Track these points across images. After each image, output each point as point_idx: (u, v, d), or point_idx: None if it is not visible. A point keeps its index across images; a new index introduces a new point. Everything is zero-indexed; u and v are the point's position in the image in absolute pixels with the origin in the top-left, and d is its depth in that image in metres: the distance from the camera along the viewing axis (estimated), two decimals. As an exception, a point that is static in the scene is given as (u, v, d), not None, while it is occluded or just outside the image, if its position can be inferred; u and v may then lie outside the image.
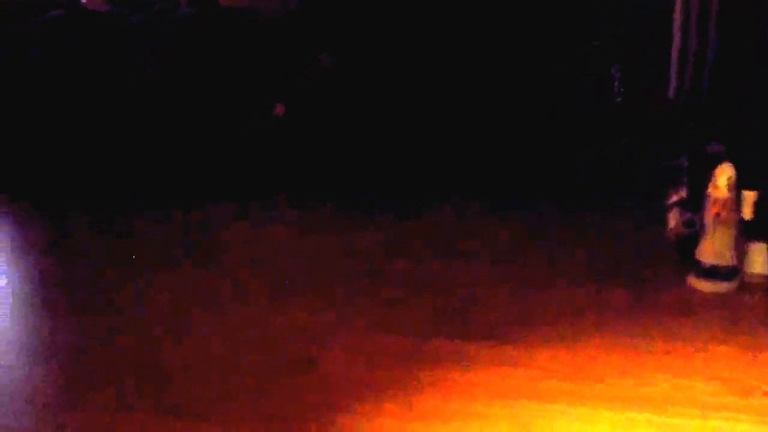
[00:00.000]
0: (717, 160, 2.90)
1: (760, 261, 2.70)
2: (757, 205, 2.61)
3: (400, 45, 4.94)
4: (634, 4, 5.76)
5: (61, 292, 2.83)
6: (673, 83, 5.31)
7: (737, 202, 2.61)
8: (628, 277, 2.84)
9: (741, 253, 2.67)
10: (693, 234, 2.84)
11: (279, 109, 4.68)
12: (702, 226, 2.71)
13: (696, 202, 2.83)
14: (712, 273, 2.66)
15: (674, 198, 2.92)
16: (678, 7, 5.15)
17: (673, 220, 2.93)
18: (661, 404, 1.94)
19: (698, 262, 2.70)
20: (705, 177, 2.88)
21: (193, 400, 2.03)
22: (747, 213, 2.59)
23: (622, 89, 5.93)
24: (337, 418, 1.92)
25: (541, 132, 5.31)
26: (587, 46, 6.06)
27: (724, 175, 2.58)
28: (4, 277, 3.08)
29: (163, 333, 2.43)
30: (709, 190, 2.61)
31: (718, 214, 2.59)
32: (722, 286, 2.65)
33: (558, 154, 5.02)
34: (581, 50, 6.06)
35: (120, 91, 4.25)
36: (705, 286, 2.67)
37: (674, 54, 5.30)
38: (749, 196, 2.59)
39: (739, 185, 2.69)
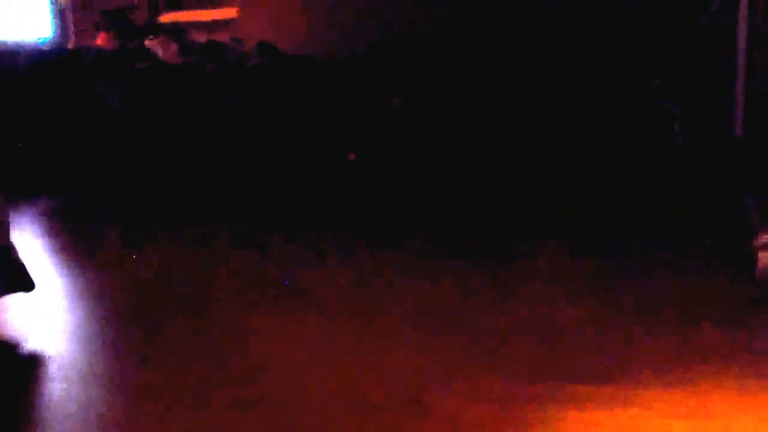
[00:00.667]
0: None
1: None
2: None
3: (468, 89, 5.10)
4: (693, 43, 5.85)
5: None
6: (739, 119, 5.37)
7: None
8: (721, 317, 2.88)
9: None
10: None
11: (351, 156, 4.84)
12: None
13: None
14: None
15: (765, 239, 2.95)
16: (741, 35, 5.22)
17: (765, 260, 2.96)
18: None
19: (795, 302, 2.73)
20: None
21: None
22: None
23: (682, 129, 5.99)
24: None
25: (611, 170, 5.39)
26: (648, 84, 6.16)
27: (821, 215, 2.61)
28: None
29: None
30: (806, 229, 2.65)
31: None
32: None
33: (632, 194, 5.06)
34: (642, 89, 6.16)
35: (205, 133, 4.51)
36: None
37: (739, 89, 5.36)
38: None
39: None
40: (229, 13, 7.10)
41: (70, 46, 6.54)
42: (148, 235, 4.20)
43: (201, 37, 6.40)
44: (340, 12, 6.30)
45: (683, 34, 5.89)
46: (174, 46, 5.32)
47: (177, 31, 6.10)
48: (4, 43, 5.88)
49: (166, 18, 7.21)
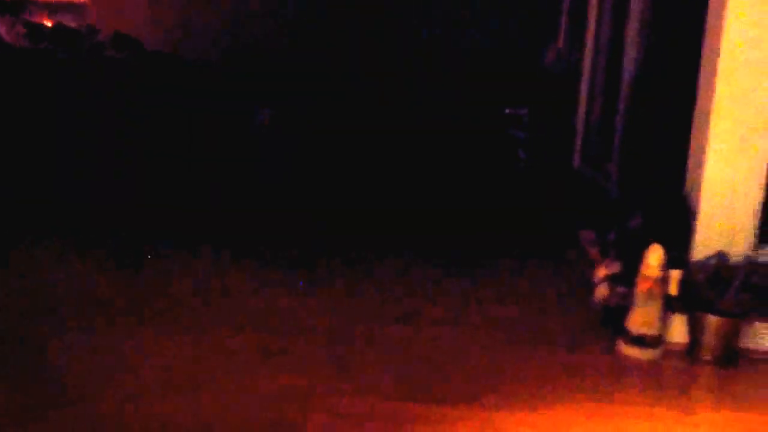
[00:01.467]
0: (639, 234, 3.27)
1: (680, 330, 3.06)
2: (680, 282, 2.96)
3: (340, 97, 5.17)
4: (545, 75, 6.29)
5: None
6: (577, 152, 5.82)
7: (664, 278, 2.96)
8: (561, 341, 3.13)
9: (664, 324, 3.02)
10: (620, 304, 3.17)
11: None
12: (631, 298, 3.04)
13: (625, 276, 3.17)
14: (641, 341, 2.99)
15: (605, 271, 3.24)
16: (585, 77, 5.68)
17: (603, 291, 3.25)
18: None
19: (628, 331, 3.02)
20: (630, 251, 3.24)
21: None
22: (674, 289, 2.93)
23: (526, 156, 6.42)
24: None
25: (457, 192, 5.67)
26: (499, 113, 6.55)
27: (655, 256, 2.91)
28: None
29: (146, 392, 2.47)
30: (642, 268, 2.94)
31: (650, 290, 2.92)
32: (650, 353, 2.98)
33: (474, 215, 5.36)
34: (493, 117, 6.53)
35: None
36: (635, 352, 2.98)
37: (579, 124, 5.81)
38: (676, 275, 2.93)
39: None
40: (78, -5, 6.72)
41: None
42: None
43: (45, 20, 6.01)
44: (196, 11, 6.17)
45: (530, 71, 6.33)
46: (20, 28, 4.97)
47: (17, 7, 5.69)
48: None
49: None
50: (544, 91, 6.20)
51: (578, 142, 5.73)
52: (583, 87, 5.66)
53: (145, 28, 6.09)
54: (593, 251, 4.21)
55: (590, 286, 3.51)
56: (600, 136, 5.56)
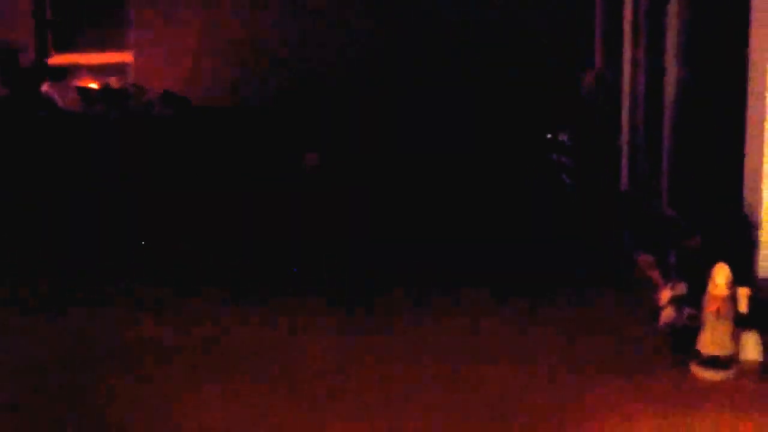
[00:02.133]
0: (699, 253, 3.23)
1: (753, 348, 3.01)
2: (750, 299, 2.91)
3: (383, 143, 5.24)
4: (584, 99, 6.29)
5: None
6: (624, 175, 5.78)
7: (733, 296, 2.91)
8: (630, 369, 3.08)
9: (736, 343, 2.97)
10: (687, 327, 3.13)
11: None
12: (699, 319, 2.99)
13: (691, 297, 3.13)
14: (714, 362, 2.93)
15: (670, 293, 3.20)
16: (625, 98, 5.67)
17: (670, 314, 3.20)
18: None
19: (699, 353, 2.97)
20: (692, 271, 3.21)
21: None
22: (744, 307, 2.89)
23: (570, 181, 6.39)
24: None
25: (505, 218, 5.67)
26: (541, 138, 6.55)
27: (722, 274, 2.87)
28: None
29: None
30: (709, 288, 2.90)
31: (718, 310, 2.88)
32: (723, 374, 2.92)
33: (526, 242, 5.35)
34: (535, 142, 6.54)
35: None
36: (708, 374, 2.93)
37: (624, 146, 5.78)
38: (744, 292, 2.88)
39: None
40: (124, 56, 6.92)
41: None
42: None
43: (90, 82, 6.19)
44: (245, 58, 6.30)
45: (570, 95, 6.34)
46: (74, 92, 5.15)
47: (65, 73, 5.90)
48: None
49: (54, 60, 6.94)
50: (585, 114, 6.20)
51: (624, 164, 5.69)
52: (625, 108, 5.64)
53: (186, 84, 6.25)
54: (654, 274, 4.16)
55: (654, 310, 3.47)
56: (646, 157, 5.52)
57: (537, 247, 5.51)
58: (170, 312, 3.75)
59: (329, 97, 5.57)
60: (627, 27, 5.55)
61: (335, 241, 4.95)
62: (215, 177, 4.65)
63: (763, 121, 3.03)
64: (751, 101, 3.15)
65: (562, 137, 6.54)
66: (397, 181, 5.66)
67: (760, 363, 2.99)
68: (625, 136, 5.67)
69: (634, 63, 5.53)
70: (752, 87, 3.15)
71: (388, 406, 2.78)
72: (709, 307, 2.91)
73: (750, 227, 3.12)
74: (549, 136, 6.38)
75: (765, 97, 3.02)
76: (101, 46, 6.92)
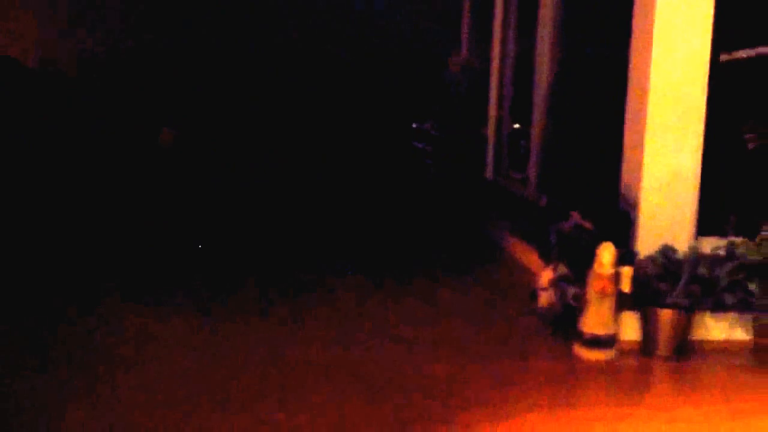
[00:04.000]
0: (577, 235, 3.25)
1: (632, 327, 3.05)
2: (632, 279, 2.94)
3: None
4: (449, 87, 6.29)
5: None
6: (490, 163, 5.83)
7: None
8: (513, 352, 3.05)
9: (617, 322, 3.00)
10: (568, 308, 3.13)
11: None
12: (584, 299, 2.99)
13: (572, 277, 3.13)
14: (596, 342, 2.94)
15: (551, 275, 3.18)
16: (493, 86, 5.72)
17: (550, 296, 3.19)
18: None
19: (582, 333, 2.97)
20: (572, 252, 3.22)
21: None
22: (626, 286, 2.91)
23: (435, 169, 6.39)
24: None
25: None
26: (406, 126, 6.51)
27: (607, 254, 2.88)
28: None
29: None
30: (595, 267, 2.90)
31: (603, 289, 2.88)
32: (605, 354, 2.94)
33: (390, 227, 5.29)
34: (400, 130, 6.49)
35: None
36: (591, 354, 2.94)
37: (490, 134, 5.84)
38: (628, 272, 2.91)
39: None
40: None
41: None
42: None
43: None
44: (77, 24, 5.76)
45: (435, 84, 6.33)
46: None
47: None
48: None
49: None
50: (449, 103, 6.21)
51: (490, 152, 5.75)
52: (492, 97, 5.70)
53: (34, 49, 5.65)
54: (525, 258, 4.19)
55: (531, 293, 3.46)
56: (513, 145, 5.60)
57: (404, 233, 5.48)
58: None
59: (189, 73, 5.24)
60: (497, 15, 5.60)
61: (194, 223, 4.65)
62: (57, 150, 4.18)
63: (643, 99, 3.08)
64: (632, 81, 3.20)
65: (427, 126, 6.54)
66: (260, 165, 5.41)
67: (639, 341, 3.05)
68: (491, 125, 5.73)
69: (503, 52, 5.59)
70: (634, 60, 3.18)
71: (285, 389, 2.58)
72: (595, 287, 2.91)
73: (628, 209, 3.17)
74: (414, 125, 6.35)
75: (647, 77, 3.06)
76: None
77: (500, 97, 5.58)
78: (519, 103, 5.39)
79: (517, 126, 5.71)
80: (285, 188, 5.50)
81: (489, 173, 5.72)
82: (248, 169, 5.19)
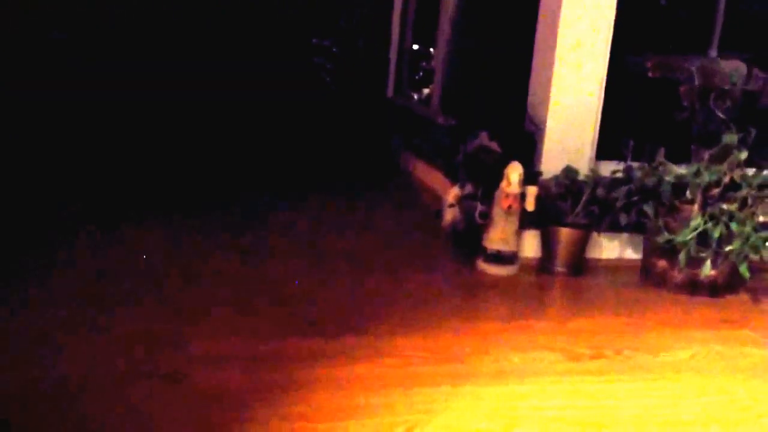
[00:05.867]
0: (481, 155, 3.31)
1: (532, 245, 3.17)
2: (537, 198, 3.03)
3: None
4: (356, 5, 6.15)
5: None
6: (391, 82, 5.80)
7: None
8: (416, 266, 3.11)
9: (518, 240, 3.11)
10: (472, 225, 3.20)
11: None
12: (490, 216, 3.07)
13: (478, 195, 3.19)
14: (498, 258, 3.04)
15: (457, 193, 3.24)
16: (396, 6, 5.63)
17: (455, 212, 3.25)
18: (523, 376, 2.20)
19: (486, 249, 3.06)
20: (477, 171, 3.28)
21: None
22: (531, 205, 3.00)
23: (335, 86, 6.30)
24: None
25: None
26: (306, 42, 6.33)
27: (515, 172, 2.95)
28: None
29: None
30: (502, 185, 2.97)
31: (510, 207, 2.96)
32: (508, 269, 3.05)
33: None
34: (300, 46, 6.31)
35: None
36: (494, 269, 3.04)
37: (392, 54, 5.78)
38: (533, 191, 3.00)
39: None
40: None
41: None
42: None
43: None
44: None
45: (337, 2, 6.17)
46: None
47: None
48: None
49: None
50: (349, 19, 6.09)
51: (391, 71, 5.71)
52: (396, 13, 5.62)
53: None
54: (432, 177, 4.24)
55: (435, 210, 3.53)
56: (414, 64, 5.58)
57: (306, 151, 5.43)
58: None
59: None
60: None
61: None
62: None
63: (554, 23, 3.12)
64: (543, 5, 3.23)
65: (327, 42, 6.40)
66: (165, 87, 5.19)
67: (537, 259, 3.18)
68: (394, 43, 5.68)
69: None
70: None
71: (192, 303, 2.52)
72: (502, 205, 2.99)
73: (533, 131, 3.24)
74: (314, 41, 6.19)
75: (559, 1, 3.09)
76: None
77: (404, 13, 5.52)
78: (422, 22, 5.36)
79: (416, 47, 5.71)
80: (178, 110, 5.32)
81: (390, 92, 5.70)
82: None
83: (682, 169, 3.00)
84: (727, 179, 2.91)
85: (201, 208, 3.69)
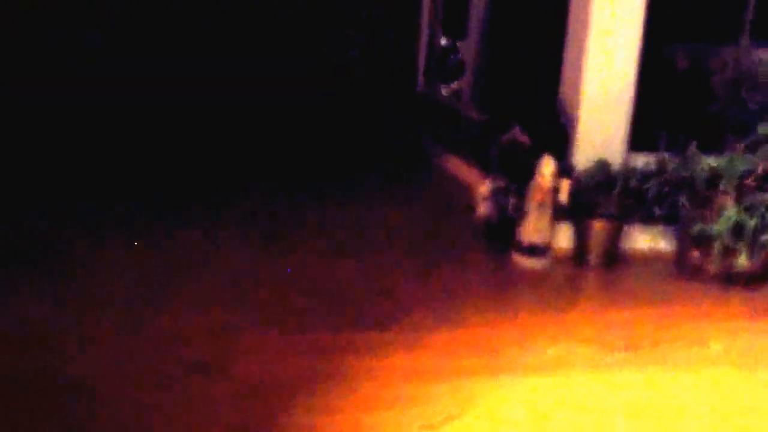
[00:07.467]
0: (515, 148, 3.34)
1: (566, 237, 3.19)
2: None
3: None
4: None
5: None
6: (420, 76, 5.82)
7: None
8: (452, 260, 3.15)
9: (552, 232, 3.13)
10: (505, 218, 3.23)
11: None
12: (523, 209, 3.10)
13: (511, 189, 3.22)
14: (532, 250, 3.07)
15: (490, 186, 3.27)
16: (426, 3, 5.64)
17: (488, 205, 3.28)
18: (558, 367, 2.24)
19: (520, 242, 3.09)
20: (511, 165, 3.31)
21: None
22: (564, 198, 3.03)
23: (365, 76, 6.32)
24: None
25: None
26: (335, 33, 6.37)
27: (548, 167, 2.98)
28: None
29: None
30: (536, 179, 2.99)
31: (543, 200, 2.99)
32: (542, 262, 3.08)
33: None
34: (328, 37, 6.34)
35: None
36: (528, 262, 3.07)
37: (422, 47, 5.80)
38: (566, 184, 3.02)
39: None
40: None
41: None
42: None
43: None
44: None
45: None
46: None
47: None
48: None
49: None
50: (379, 12, 6.10)
51: (421, 64, 5.73)
52: (425, 9, 5.64)
53: None
54: (464, 171, 4.27)
55: (468, 205, 3.55)
56: (445, 59, 5.60)
57: (338, 144, 5.46)
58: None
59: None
60: None
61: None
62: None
63: (586, 17, 3.13)
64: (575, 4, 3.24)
65: (350, 32, 6.42)
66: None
67: (571, 250, 3.20)
68: (423, 36, 5.70)
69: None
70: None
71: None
72: (535, 197, 3.01)
73: (566, 124, 3.26)
74: (347, 32, 6.22)
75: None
76: None
77: (434, 10, 5.54)
78: (451, 16, 5.37)
79: (444, 42, 5.72)
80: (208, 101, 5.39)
81: (420, 85, 5.72)
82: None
83: (715, 160, 3.00)
84: (760, 170, 2.91)
85: (235, 206, 3.74)
